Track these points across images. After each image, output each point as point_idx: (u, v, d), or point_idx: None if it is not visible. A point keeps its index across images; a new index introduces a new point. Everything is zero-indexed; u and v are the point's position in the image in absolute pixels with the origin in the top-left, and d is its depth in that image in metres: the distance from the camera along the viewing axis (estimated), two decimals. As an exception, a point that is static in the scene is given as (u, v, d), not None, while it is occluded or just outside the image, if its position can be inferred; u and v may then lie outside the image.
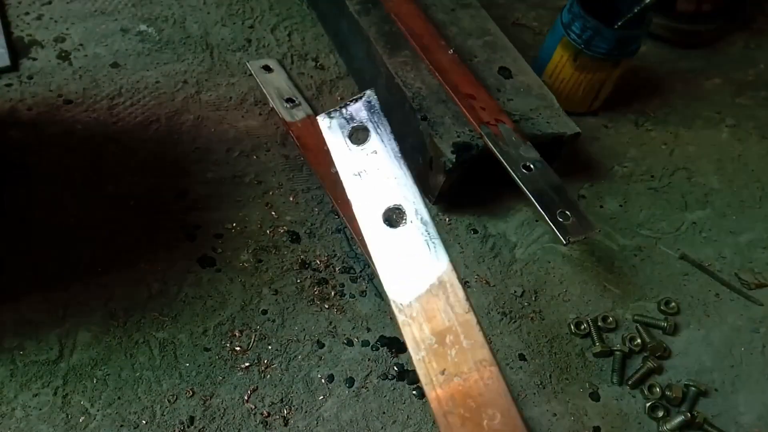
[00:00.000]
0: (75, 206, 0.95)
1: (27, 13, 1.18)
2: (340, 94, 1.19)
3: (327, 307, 0.92)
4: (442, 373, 0.51)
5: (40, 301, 0.85)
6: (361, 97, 0.58)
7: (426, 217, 0.55)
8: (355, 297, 0.93)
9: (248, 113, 1.12)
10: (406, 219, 0.55)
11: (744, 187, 1.20)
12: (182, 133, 1.07)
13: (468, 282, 0.98)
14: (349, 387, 0.85)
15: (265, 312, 0.90)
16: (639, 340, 0.94)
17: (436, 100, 1.01)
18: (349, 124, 0.58)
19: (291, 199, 1.02)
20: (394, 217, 0.56)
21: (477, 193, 1.07)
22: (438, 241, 0.54)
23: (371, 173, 0.57)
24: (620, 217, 1.11)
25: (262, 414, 0.81)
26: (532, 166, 0.93)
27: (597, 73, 1.15)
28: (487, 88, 1.04)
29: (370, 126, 0.58)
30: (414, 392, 0.85)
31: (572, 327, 0.95)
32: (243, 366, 0.85)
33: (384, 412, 0.84)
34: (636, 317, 0.98)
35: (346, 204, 0.99)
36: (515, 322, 0.95)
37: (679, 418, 0.86)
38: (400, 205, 0.56)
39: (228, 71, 1.17)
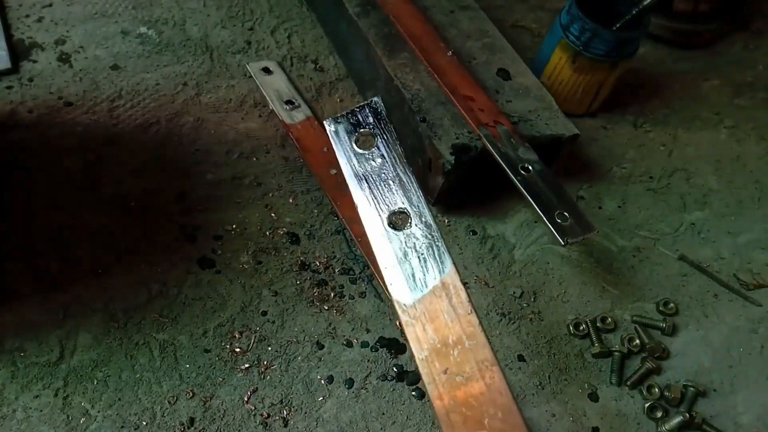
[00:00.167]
0: (75, 208, 0.95)
1: (27, 16, 1.18)
2: (340, 95, 1.19)
3: (326, 308, 0.92)
4: (445, 372, 0.52)
5: (40, 303, 0.85)
6: (368, 104, 0.60)
7: (430, 220, 0.57)
8: (354, 298, 0.94)
9: (248, 115, 1.13)
10: (410, 222, 0.57)
11: (742, 188, 1.21)
12: (182, 135, 1.07)
13: (467, 283, 0.98)
14: (348, 388, 0.85)
15: (264, 313, 0.90)
16: (638, 341, 0.95)
17: (435, 102, 1.01)
18: (355, 129, 0.60)
19: (290, 200, 1.03)
20: (398, 220, 0.58)
21: (476, 195, 1.08)
22: (441, 244, 0.56)
23: (376, 178, 0.59)
24: (619, 218, 1.11)
25: (261, 415, 0.81)
26: (530, 167, 0.93)
27: (595, 74, 1.16)
28: (485, 90, 1.05)
29: (376, 132, 0.59)
30: (413, 393, 0.86)
31: (571, 328, 0.95)
32: (243, 367, 0.85)
33: (383, 413, 0.84)
34: (635, 318, 0.98)
35: (345, 206, 1.00)
36: (514, 323, 0.95)
37: (678, 419, 0.87)
38: (404, 209, 0.57)
39: (228, 73, 1.18)
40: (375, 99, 0.60)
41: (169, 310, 0.88)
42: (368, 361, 0.88)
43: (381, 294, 0.94)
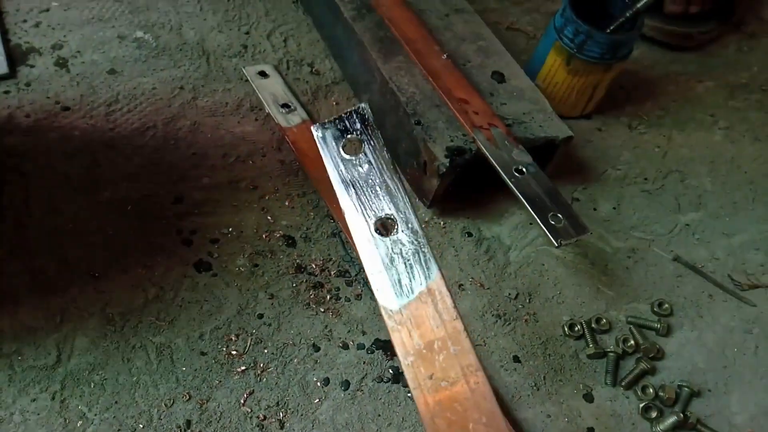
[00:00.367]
0: (72, 212, 0.96)
1: (25, 21, 1.19)
2: (336, 99, 1.20)
3: (322, 310, 0.93)
4: (430, 377, 0.52)
5: (37, 307, 0.86)
6: (355, 110, 0.60)
7: (416, 226, 0.57)
8: (350, 300, 0.94)
9: (244, 119, 1.13)
10: (397, 228, 0.57)
11: (737, 189, 1.21)
12: (179, 138, 1.08)
13: (462, 285, 0.99)
14: (344, 390, 0.86)
15: (261, 316, 0.91)
16: (632, 342, 0.95)
17: (430, 105, 1.02)
18: (342, 135, 0.60)
19: (287, 203, 1.03)
20: (385, 226, 0.58)
21: (471, 197, 1.08)
22: (428, 250, 0.56)
23: (363, 184, 0.59)
24: (614, 220, 1.12)
25: (258, 417, 0.82)
26: (524, 169, 0.94)
27: (590, 76, 1.16)
28: (480, 93, 1.05)
29: (363, 138, 0.60)
30: (409, 395, 0.86)
31: (566, 329, 0.96)
32: (239, 370, 0.85)
33: (379, 415, 0.84)
34: (629, 319, 0.99)
35: (340, 209, 1.00)
36: (509, 324, 0.96)
37: (672, 419, 0.87)
38: (391, 215, 0.58)
39: (224, 77, 1.18)
40: (362, 105, 0.60)
41: (165, 313, 0.88)
42: (364, 363, 0.89)
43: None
